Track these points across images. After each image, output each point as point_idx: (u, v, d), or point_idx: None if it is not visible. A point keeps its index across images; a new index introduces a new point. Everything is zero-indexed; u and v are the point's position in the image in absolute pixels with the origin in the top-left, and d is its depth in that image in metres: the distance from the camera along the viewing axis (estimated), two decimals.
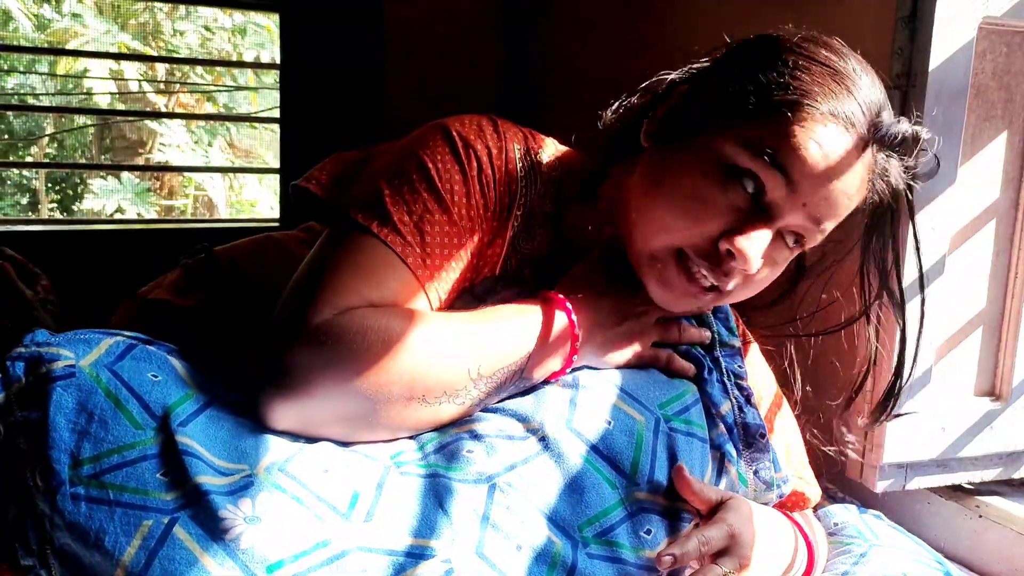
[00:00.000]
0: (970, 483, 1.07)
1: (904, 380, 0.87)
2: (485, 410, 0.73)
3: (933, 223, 0.96)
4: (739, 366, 0.86)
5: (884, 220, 0.81)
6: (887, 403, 0.88)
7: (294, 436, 0.67)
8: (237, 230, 1.97)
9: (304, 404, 0.66)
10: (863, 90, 0.73)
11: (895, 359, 0.88)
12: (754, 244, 0.72)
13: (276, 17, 2.19)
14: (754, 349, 0.96)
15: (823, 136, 0.71)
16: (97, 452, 0.60)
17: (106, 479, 0.59)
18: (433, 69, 2.12)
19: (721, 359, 0.84)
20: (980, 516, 1.04)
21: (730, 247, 0.72)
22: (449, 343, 0.70)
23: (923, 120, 0.93)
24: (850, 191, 0.74)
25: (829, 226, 0.76)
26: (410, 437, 0.71)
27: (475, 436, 0.70)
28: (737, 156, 0.72)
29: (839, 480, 1.11)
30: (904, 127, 0.76)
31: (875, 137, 0.74)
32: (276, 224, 2.25)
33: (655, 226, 0.76)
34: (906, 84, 0.95)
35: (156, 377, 0.65)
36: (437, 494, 0.65)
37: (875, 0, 0.98)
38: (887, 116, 0.75)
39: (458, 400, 0.71)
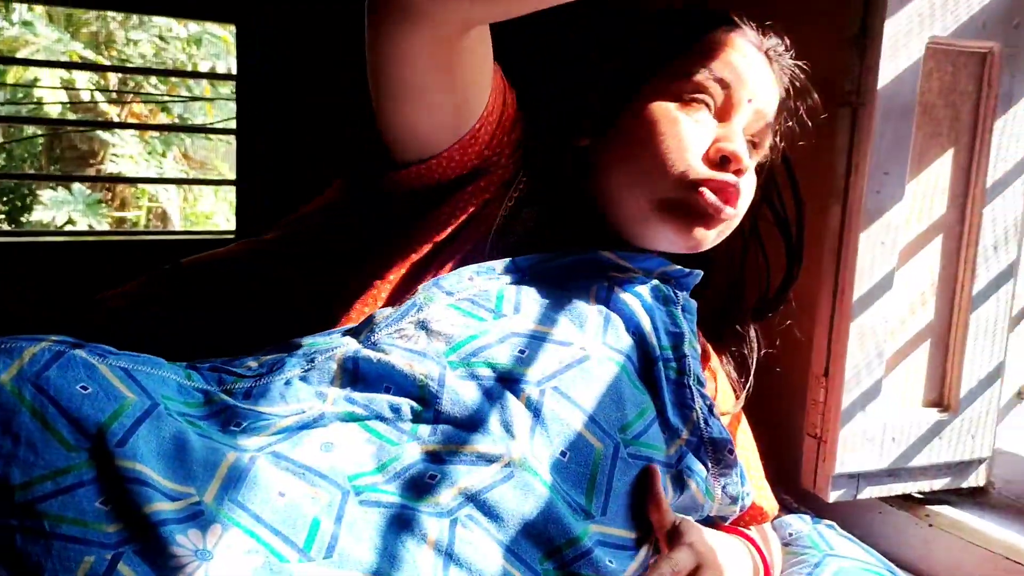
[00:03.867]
0: (920, 492, 1.09)
1: (793, 279, 0.96)
2: (444, 420, 0.70)
3: (883, 238, 0.99)
4: (701, 373, 0.86)
5: (787, 119, 0.92)
6: (780, 298, 0.96)
7: (243, 447, 0.63)
8: (192, 242, 1.94)
9: None
10: (744, 22, 0.88)
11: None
12: (735, 139, 0.81)
13: (232, 28, 2.17)
14: (714, 361, 0.97)
15: (731, 43, 0.84)
16: (28, 479, 0.53)
17: (40, 508, 0.53)
18: None
19: (689, 359, 0.82)
20: (930, 525, 1.07)
21: (722, 152, 0.80)
22: None
23: (872, 137, 0.95)
24: (769, 82, 0.86)
25: (770, 115, 0.86)
26: (370, 457, 0.67)
27: (438, 459, 0.67)
28: (685, 86, 0.83)
29: (793, 491, 1.12)
30: (778, 39, 0.90)
31: (764, 45, 0.88)
32: (232, 236, 2.22)
33: (649, 174, 0.81)
34: (856, 102, 0.97)
35: (86, 389, 0.58)
36: (398, 527, 0.62)
37: (826, 20, 1.00)
38: (768, 37, 0.90)
39: None
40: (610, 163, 0.85)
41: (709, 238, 0.83)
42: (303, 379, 0.70)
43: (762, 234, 0.97)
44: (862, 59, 0.95)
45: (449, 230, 0.84)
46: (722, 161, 0.80)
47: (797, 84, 0.90)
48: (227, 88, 8.90)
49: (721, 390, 0.95)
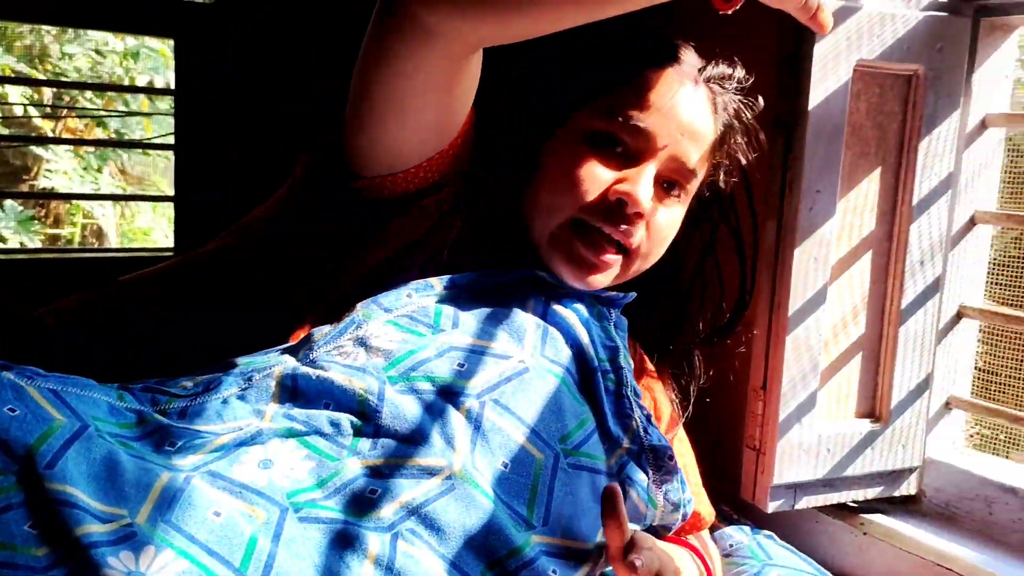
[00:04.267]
0: (854, 501, 1.12)
1: (746, 306, 0.98)
2: (384, 434, 0.70)
3: (816, 253, 1.01)
4: (636, 386, 0.87)
5: (732, 155, 0.92)
6: (734, 321, 0.98)
7: (177, 467, 0.62)
8: (128, 260, 1.90)
9: None
10: (686, 50, 0.87)
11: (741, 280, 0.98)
12: (639, 185, 0.81)
13: (171, 42, 2.14)
14: (651, 367, 0.98)
15: (660, 84, 0.83)
16: None
17: None
18: None
19: (625, 371, 0.84)
20: (864, 533, 1.09)
21: (619, 194, 0.80)
22: None
23: (804, 156, 0.98)
24: (698, 126, 0.85)
25: (695, 164, 0.85)
26: (308, 473, 0.67)
27: (379, 474, 0.67)
28: (596, 124, 0.83)
29: (734, 502, 1.14)
30: (722, 65, 0.89)
31: (703, 77, 0.87)
32: (170, 253, 2.18)
33: (549, 207, 0.83)
34: (789, 122, 1.00)
35: (14, 411, 0.57)
36: (339, 543, 0.62)
37: (760, 43, 1.03)
38: (712, 66, 0.89)
39: None
40: (529, 189, 0.86)
41: (600, 280, 0.84)
42: (240, 398, 0.70)
43: (720, 259, 0.99)
44: (794, 81, 0.98)
45: (409, 240, 0.84)
46: (619, 203, 0.81)
47: (744, 115, 0.90)
48: (165, 103, 8.75)
49: (658, 399, 0.97)
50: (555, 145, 0.85)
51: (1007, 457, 1.25)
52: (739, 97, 0.90)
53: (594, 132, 0.83)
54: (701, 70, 0.87)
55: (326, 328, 0.77)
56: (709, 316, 0.99)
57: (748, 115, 0.91)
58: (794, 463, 1.05)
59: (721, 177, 0.92)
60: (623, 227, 0.82)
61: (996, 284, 1.27)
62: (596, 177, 0.82)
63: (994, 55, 1.09)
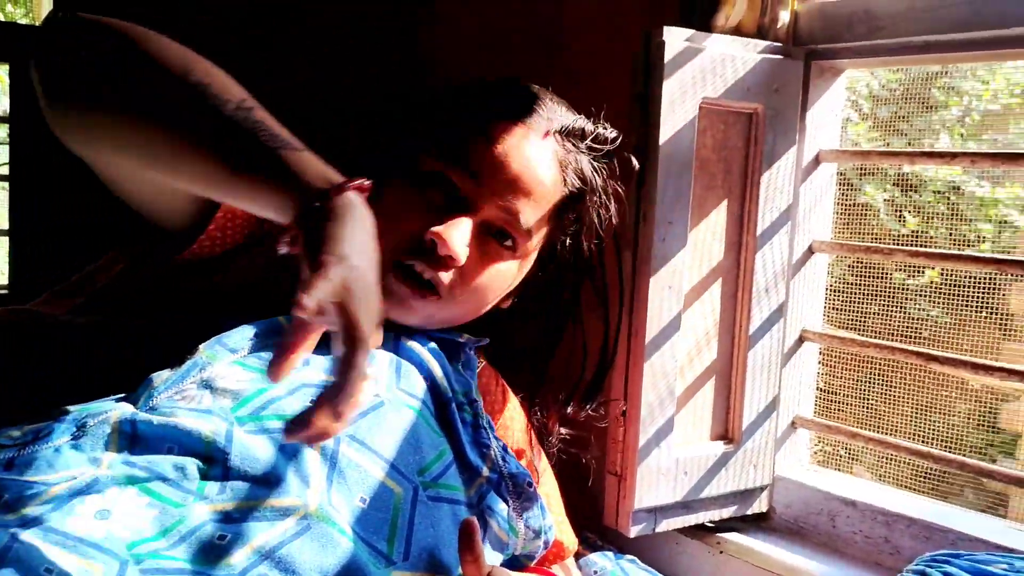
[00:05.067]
0: (711, 521, 1.16)
1: (608, 367, 0.99)
2: (234, 477, 0.67)
3: (669, 282, 1.05)
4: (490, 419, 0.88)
5: (584, 215, 0.92)
6: (594, 390, 0.98)
7: (3, 522, 0.58)
8: None
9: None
10: (544, 104, 0.87)
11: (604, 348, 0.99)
12: (453, 229, 0.80)
13: (6, 67, 2.01)
14: (513, 402, 0.99)
15: (501, 133, 0.83)
16: None
17: None
18: None
19: (479, 403, 0.84)
20: (721, 552, 1.13)
21: (433, 236, 0.80)
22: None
23: (656, 189, 1.02)
24: (536, 180, 0.84)
25: (527, 216, 0.85)
26: (151, 522, 0.63)
27: (229, 518, 0.64)
28: (427, 162, 0.84)
29: (597, 528, 1.16)
30: (581, 121, 0.89)
31: (554, 130, 0.86)
32: (5, 292, 2.03)
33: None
34: (642, 157, 1.03)
35: None
36: None
37: (613, 80, 1.07)
38: (566, 117, 0.88)
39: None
40: None
41: (414, 319, 0.84)
42: (74, 446, 0.65)
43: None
44: (644, 118, 1.02)
45: (236, 292, 0.82)
46: (432, 244, 0.81)
47: (599, 177, 0.91)
48: (0, 131, 8.20)
49: (519, 428, 0.98)
50: (395, 181, 0.85)
51: (850, 472, 1.33)
52: (591, 157, 0.90)
53: (429, 173, 0.84)
54: (556, 128, 0.87)
55: (166, 373, 0.73)
56: (571, 385, 0.99)
57: (603, 176, 0.91)
58: (654, 487, 1.07)
59: (573, 238, 0.92)
60: (434, 268, 0.81)
61: (834, 309, 1.36)
62: (416, 217, 0.82)
63: (825, 95, 1.17)
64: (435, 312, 0.85)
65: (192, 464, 0.66)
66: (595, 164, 0.91)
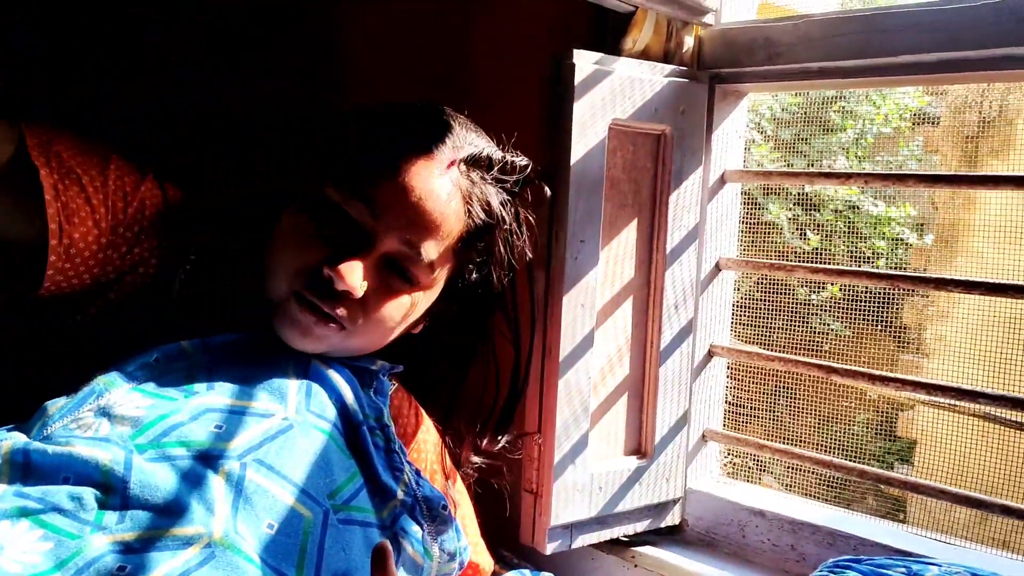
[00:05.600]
0: (625, 536, 1.17)
1: (518, 397, 1.00)
2: (134, 506, 0.64)
3: (582, 300, 1.07)
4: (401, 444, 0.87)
5: (492, 247, 0.91)
6: (506, 421, 0.99)
7: None
8: None
9: None
10: (451, 127, 0.86)
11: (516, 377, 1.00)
12: (350, 265, 0.79)
13: None
14: (427, 423, 0.98)
15: (402, 165, 0.82)
16: None
17: None
18: None
19: (391, 428, 0.84)
20: (636, 566, 1.15)
21: (329, 271, 0.79)
22: None
23: (568, 208, 1.03)
24: (438, 214, 0.83)
25: (428, 250, 0.84)
26: (44, 556, 0.60)
27: (129, 549, 0.61)
28: (327, 193, 0.82)
29: (514, 547, 1.16)
30: (488, 150, 0.88)
31: (459, 159, 0.85)
32: None
33: (273, 272, 0.82)
34: (553, 177, 1.05)
35: None
36: None
37: (526, 102, 1.08)
38: (474, 146, 0.87)
39: None
40: (266, 248, 0.85)
41: (319, 347, 0.83)
42: None
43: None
44: (555, 139, 1.04)
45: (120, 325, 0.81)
46: (330, 280, 0.80)
47: (507, 209, 0.90)
48: None
49: (434, 450, 0.97)
50: (297, 209, 0.84)
51: (760, 483, 1.37)
52: (500, 187, 0.90)
53: (327, 204, 0.82)
54: (462, 158, 0.86)
55: (61, 400, 0.70)
56: (484, 416, 1.00)
57: (512, 208, 0.91)
58: (570, 503, 1.08)
59: (481, 268, 0.92)
60: (337, 306, 0.81)
61: (740, 324, 1.40)
62: (315, 250, 0.81)
63: (729, 117, 1.21)
64: (339, 342, 0.84)
65: (89, 494, 0.64)
66: (504, 195, 0.90)
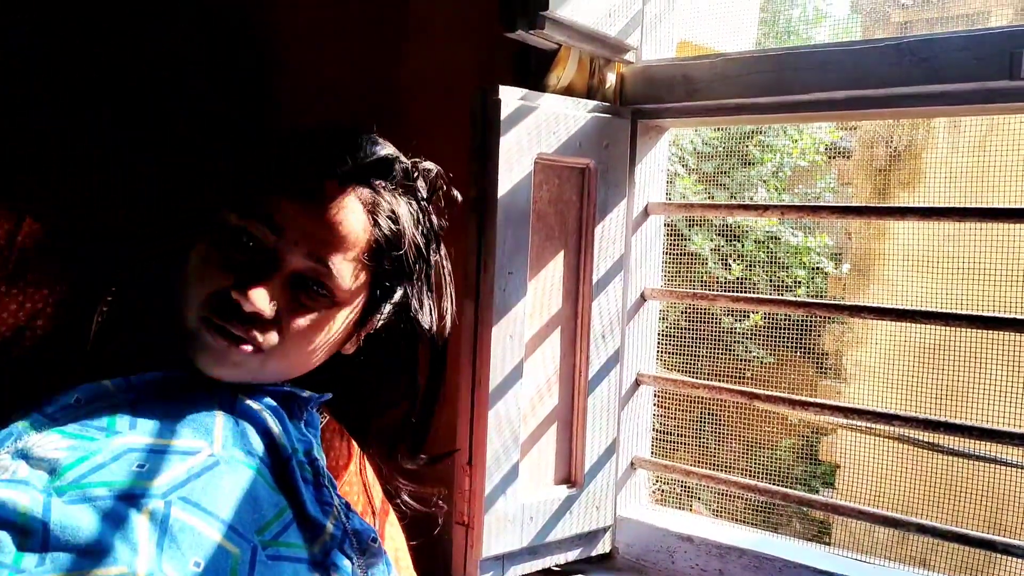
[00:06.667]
0: (557, 565, 1.17)
1: (429, 410, 0.97)
2: (55, 548, 0.63)
3: (511, 331, 1.08)
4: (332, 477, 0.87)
5: (403, 257, 0.89)
6: (421, 435, 0.97)
7: None
8: None
9: None
10: (358, 142, 0.85)
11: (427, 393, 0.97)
12: (257, 289, 0.79)
13: None
14: (358, 457, 0.98)
15: (301, 181, 0.82)
16: None
17: None
18: None
19: (320, 462, 0.83)
20: None
21: (237, 295, 0.78)
22: None
23: (496, 240, 1.04)
24: (338, 226, 0.82)
25: (338, 264, 0.83)
26: None
27: None
28: (228, 219, 0.82)
29: None
30: (389, 156, 0.87)
31: (353, 172, 0.84)
32: None
33: (183, 301, 0.81)
34: (481, 208, 1.06)
35: None
36: None
37: (456, 134, 1.10)
38: (372, 156, 0.85)
39: None
40: (176, 280, 0.84)
41: (237, 374, 0.82)
42: None
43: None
44: (483, 170, 1.05)
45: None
46: (237, 303, 0.79)
47: (420, 222, 0.90)
48: None
49: (358, 493, 0.96)
50: (201, 242, 0.84)
51: (690, 509, 1.39)
52: (408, 199, 0.89)
53: (232, 228, 0.82)
54: (362, 165, 0.85)
55: None
56: (396, 431, 0.98)
57: (423, 218, 0.90)
58: (501, 534, 1.08)
59: (395, 279, 0.90)
60: (251, 329, 0.80)
61: (667, 353, 1.43)
62: (220, 275, 0.81)
63: (651, 151, 1.25)
64: (258, 366, 0.82)
65: (6, 537, 0.62)
66: (413, 204, 0.90)
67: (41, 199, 0.86)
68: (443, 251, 0.96)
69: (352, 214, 0.83)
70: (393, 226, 0.86)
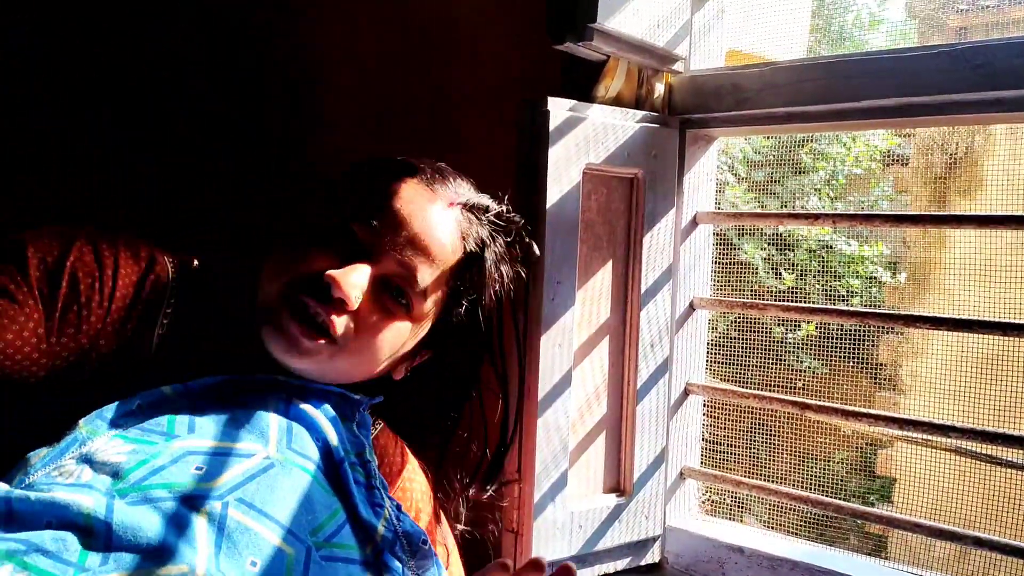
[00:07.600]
0: (606, 574, 1.18)
1: (508, 448, 1.03)
2: (117, 548, 0.65)
3: (559, 340, 1.09)
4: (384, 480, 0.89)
5: (481, 285, 0.94)
6: (495, 471, 1.02)
7: None
8: None
9: None
10: (449, 175, 0.94)
11: (506, 428, 1.03)
12: (349, 273, 0.83)
13: None
14: (412, 464, 0.99)
15: (402, 191, 0.88)
16: None
17: None
18: None
19: (372, 465, 0.85)
20: None
21: (328, 278, 0.82)
22: None
23: (545, 251, 1.05)
24: (436, 241, 0.88)
25: (423, 274, 0.88)
26: None
27: None
28: (332, 219, 0.87)
29: None
30: (485, 199, 0.95)
31: (459, 202, 0.92)
32: None
33: (270, 277, 0.85)
34: (530, 219, 1.07)
35: None
36: None
37: (503, 148, 1.11)
38: (472, 194, 0.95)
39: None
40: (259, 278, 0.88)
41: (307, 365, 0.85)
42: None
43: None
44: (531, 183, 1.06)
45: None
46: (327, 285, 0.82)
47: (495, 250, 0.94)
48: None
49: (419, 488, 0.98)
50: (299, 241, 0.88)
51: (741, 521, 1.37)
52: (492, 230, 0.95)
53: (333, 226, 0.87)
54: (461, 201, 0.92)
55: (43, 450, 0.72)
56: (472, 466, 1.02)
57: (502, 250, 0.95)
58: (550, 542, 1.09)
59: (470, 308, 0.94)
60: (327, 310, 0.83)
61: (717, 362, 1.42)
62: (316, 262, 0.85)
63: (700, 160, 1.25)
64: (327, 360, 0.85)
65: (72, 537, 0.65)
66: (496, 238, 0.95)
67: (41, 199, 0.89)
68: (514, 291, 1.00)
69: (447, 234, 0.90)
70: (478, 251, 0.92)
